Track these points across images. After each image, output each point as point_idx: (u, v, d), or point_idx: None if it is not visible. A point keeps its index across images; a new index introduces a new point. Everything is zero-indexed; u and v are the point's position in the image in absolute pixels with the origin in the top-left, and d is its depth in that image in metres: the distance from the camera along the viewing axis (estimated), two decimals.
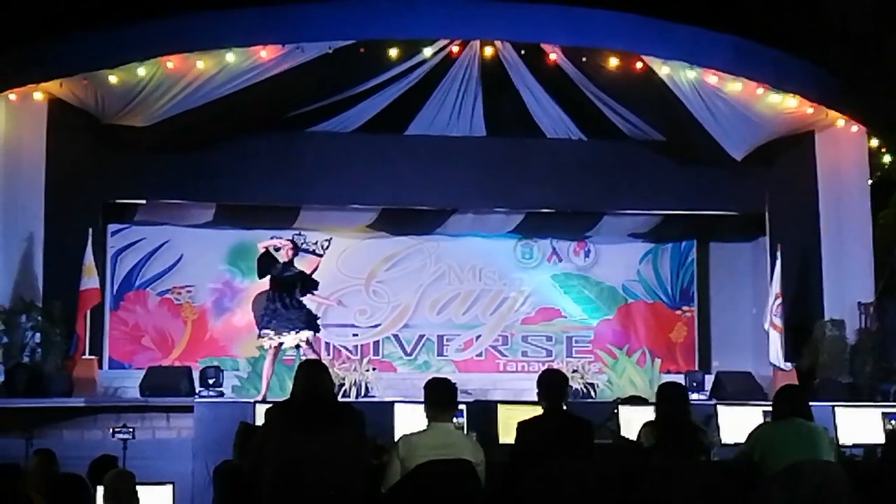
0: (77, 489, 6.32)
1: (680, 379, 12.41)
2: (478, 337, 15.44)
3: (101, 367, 13.55)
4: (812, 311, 13.29)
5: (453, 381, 6.46)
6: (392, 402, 9.02)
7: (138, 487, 6.69)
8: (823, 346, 12.80)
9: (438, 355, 15.32)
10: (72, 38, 12.18)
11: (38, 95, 12.37)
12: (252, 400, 10.75)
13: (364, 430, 5.94)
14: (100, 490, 6.52)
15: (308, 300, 11.97)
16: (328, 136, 14.01)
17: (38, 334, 11.99)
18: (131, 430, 9.85)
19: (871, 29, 13.94)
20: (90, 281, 12.44)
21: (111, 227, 14.62)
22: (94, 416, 11.38)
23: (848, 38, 13.97)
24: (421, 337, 15.27)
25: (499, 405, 8.59)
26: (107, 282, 14.18)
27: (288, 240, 11.94)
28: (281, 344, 11.55)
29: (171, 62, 12.02)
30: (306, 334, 11.54)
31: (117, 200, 13.94)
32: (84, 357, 12.51)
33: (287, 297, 11.68)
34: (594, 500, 6.21)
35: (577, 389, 13.03)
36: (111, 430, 9.92)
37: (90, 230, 12.57)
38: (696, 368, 15.01)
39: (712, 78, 12.50)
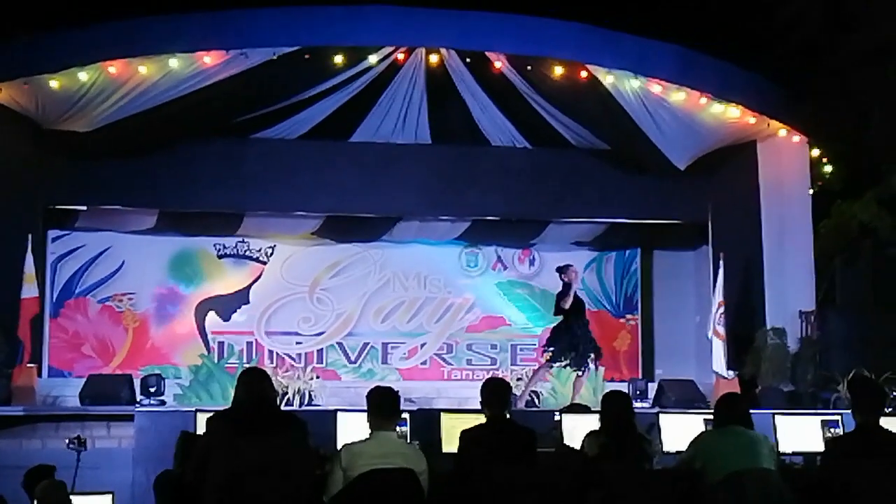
0: None
1: (623, 387, 12.53)
2: (422, 345, 15.42)
3: (40, 375, 13.32)
4: (754, 319, 13.39)
5: (397, 389, 6.46)
6: (335, 411, 8.96)
7: (77, 498, 6.63)
8: (765, 355, 12.89)
9: (383, 363, 15.27)
10: (11, 42, 12.00)
11: None
12: (194, 408, 10.64)
13: (307, 439, 5.91)
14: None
15: None
16: (272, 143, 13.92)
17: None
18: (82, 440, 9.65)
19: (814, 40, 14.08)
20: (31, 289, 12.23)
21: (52, 234, 14.44)
22: (33, 425, 11.22)
23: (790, 48, 14.10)
24: (365, 345, 15.22)
25: (442, 414, 8.57)
26: (47, 289, 13.97)
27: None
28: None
29: (113, 67, 11.86)
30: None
31: (58, 206, 13.74)
32: (24, 365, 12.31)
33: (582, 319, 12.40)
34: None
35: None
36: (66, 441, 9.72)
37: (30, 236, 12.37)
38: (640, 376, 15.09)
39: (656, 87, 12.56)
